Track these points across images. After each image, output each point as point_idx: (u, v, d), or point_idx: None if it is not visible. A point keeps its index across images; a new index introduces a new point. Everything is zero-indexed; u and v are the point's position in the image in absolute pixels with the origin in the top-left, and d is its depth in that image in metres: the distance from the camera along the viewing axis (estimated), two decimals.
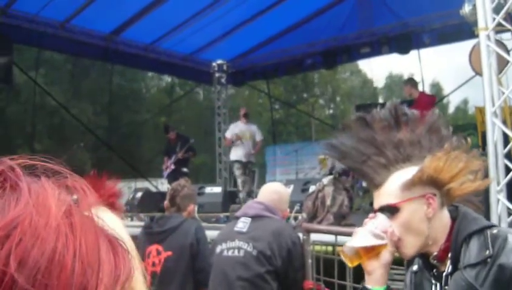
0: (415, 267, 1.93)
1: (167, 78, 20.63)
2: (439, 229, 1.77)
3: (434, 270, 1.83)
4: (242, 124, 10.83)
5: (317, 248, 4.63)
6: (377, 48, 11.50)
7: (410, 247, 1.76)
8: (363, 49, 11.75)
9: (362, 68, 36.17)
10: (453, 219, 1.80)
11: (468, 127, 12.62)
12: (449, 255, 1.76)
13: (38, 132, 16.16)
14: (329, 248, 4.71)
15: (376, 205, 1.81)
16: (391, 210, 1.75)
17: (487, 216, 4.88)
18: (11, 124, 15.54)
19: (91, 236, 0.59)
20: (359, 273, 4.40)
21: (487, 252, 1.67)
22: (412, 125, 1.89)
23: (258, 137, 10.90)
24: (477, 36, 5.29)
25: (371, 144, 1.87)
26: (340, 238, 4.12)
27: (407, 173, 1.75)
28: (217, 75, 13.68)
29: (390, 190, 1.77)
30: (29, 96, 14.86)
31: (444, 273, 1.76)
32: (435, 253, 1.78)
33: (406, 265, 1.96)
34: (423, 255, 1.82)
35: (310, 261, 4.24)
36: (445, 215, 1.79)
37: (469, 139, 1.86)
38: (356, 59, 14.06)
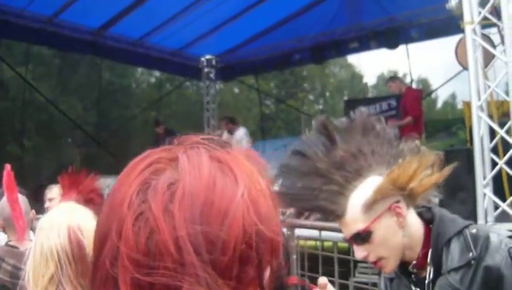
0: (388, 274, 1.87)
1: (157, 74, 20.54)
2: (413, 233, 1.74)
3: (413, 277, 1.80)
4: (226, 135, 10.85)
5: (302, 243, 4.63)
6: (365, 43, 11.53)
7: (393, 262, 1.73)
8: (352, 44, 11.78)
9: (351, 63, 36.23)
10: (427, 221, 1.77)
11: (456, 122, 12.71)
12: (429, 260, 1.73)
13: (28, 128, 16.05)
14: (314, 243, 4.71)
15: (346, 235, 1.74)
16: (363, 236, 1.70)
17: (474, 211, 4.92)
18: (0, 120, 15.42)
19: (162, 212, 0.64)
20: (345, 269, 4.43)
21: (470, 254, 1.65)
22: (346, 136, 1.78)
23: (244, 144, 10.89)
24: (463, 30, 5.31)
25: (315, 175, 1.75)
26: (325, 233, 4.12)
27: (364, 191, 1.69)
28: (205, 70, 13.65)
29: (354, 216, 1.70)
30: (18, 92, 14.74)
31: (426, 281, 1.73)
32: (414, 262, 1.75)
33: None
34: (400, 263, 1.77)
35: (294, 256, 4.24)
36: (414, 217, 1.76)
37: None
38: (345, 54, 14.09)
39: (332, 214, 1.74)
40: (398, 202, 1.69)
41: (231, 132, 11.00)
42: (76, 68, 17.02)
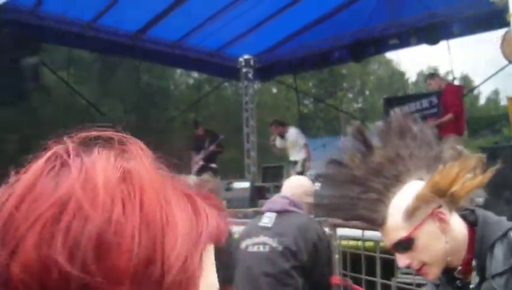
0: (434, 280, 1.80)
1: (195, 75, 20.67)
2: (457, 238, 1.66)
3: (458, 282, 1.74)
4: (277, 139, 10.87)
5: (344, 243, 4.57)
6: (405, 39, 11.33)
7: (436, 268, 1.67)
8: (392, 40, 11.60)
9: (391, 60, 35.84)
10: (471, 223, 1.70)
11: (500, 119, 12.41)
12: (473, 265, 1.66)
13: (70, 131, 16.34)
14: (357, 243, 4.64)
15: (388, 243, 1.70)
16: (405, 244, 1.64)
17: None
18: (43, 124, 15.75)
19: (156, 196, 0.58)
20: (388, 269, 4.34)
21: None
22: (382, 140, 1.73)
23: (302, 141, 10.90)
24: (508, 23, 5.16)
25: (353, 184, 1.70)
26: (367, 233, 4.06)
27: (404, 197, 1.63)
28: (244, 70, 13.64)
29: (395, 224, 1.64)
30: (60, 96, 15.03)
31: (471, 286, 1.67)
32: (459, 268, 1.69)
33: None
34: (444, 270, 1.71)
35: (336, 256, 4.19)
36: (457, 221, 1.69)
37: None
38: (384, 51, 13.88)
39: (373, 222, 1.69)
40: (440, 207, 1.62)
41: (282, 135, 10.92)
42: (115, 71, 17.26)
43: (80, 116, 16.48)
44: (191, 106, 18.47)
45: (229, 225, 0.67)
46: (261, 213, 3.76)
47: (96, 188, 0.55)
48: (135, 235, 0.54)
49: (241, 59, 13.57)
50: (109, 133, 0.65)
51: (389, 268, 4.30)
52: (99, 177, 0.56)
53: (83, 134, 0.64)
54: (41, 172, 0.57)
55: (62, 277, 0.51)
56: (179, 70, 20.75)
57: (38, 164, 0.58)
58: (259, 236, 3.55)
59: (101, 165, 0.58)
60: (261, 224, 3.61)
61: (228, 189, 9.38)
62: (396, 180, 1.66)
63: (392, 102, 11.97)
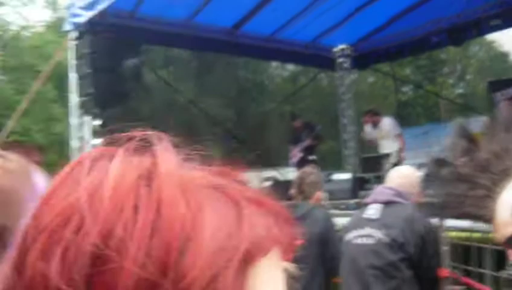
0: None
1: (290, 67, 20.68)
2: None
3: None
4: (369, 129, 10.67)
5: (453, 234, 4.42)
6: (509, 19, 10.79)
7: None
8: (493, 21, 11.07)
9: (493, 41, 34.24)
10: None
11: None
12: None
13: (170, 128, 16.83)
14: (466, 234, 4.47)
15: (499, 240, 1.62)
16: None
17: None
18: (142, 121, 16.27)
19: (180, 198, 0.51)
20: (500, 261, 4.15)
21: None
22: (488, 135, 1.65)
23: (396, 130, 10.65)
24: None
25: (459, 181, 1.65)
26: (477, 224, 3.90)
27: None
28: (339, 60, 13.48)
29: (505, 220, 1.54)
30: (160, 94, 15.49)
31: None
32: None
33: None
34: None
35: (444, 248, 4.05)
36: None
37: None
38: (486, 33, 13.27)
39: (481, 219, 1.61)
40: None
41: (376, 125, 10.74)
42: (212, 68, 17.56)
43: (179, 114, 16.96)
44: (287, 98, 18.50)
45: (292, 232, 0.59)
46: (365, 205, 3.70)
47: (103, 198, 0.50)
48: (141, 249, 0.47)
49: (336, 49, 13.42)
50: (140, 133, 0.59)
51: (501, 260, 4.12)
52: (109, 184, 0.51)
53: (116, 137, 0.59)
54: (62, 180, 0.54)
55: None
56: (274, 64, 20.84)
57: (63, 170, 0.55)
58: (365, 228, 3.50)
59: (117, 170, 0.53)
60: (365, 216, 3.55)
61: (328, 181, 9.33)
62: (505, 174, 1.57)
63: (496, 86, 11.45)
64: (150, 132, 0.59)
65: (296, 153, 11.04)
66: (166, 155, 0.55)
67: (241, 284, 0.51)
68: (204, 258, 0.48)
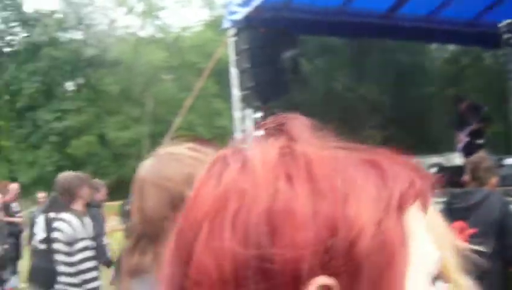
0: None
1: (450, 48, 19.79)
2: None
3: None
4: None
5: None
6: None
7: None
8: None
9: None
10: None
11: None
12: None
13: (328, 117, 16.87)
14: None
15: None
16: None
17: None
18: (301, 111, 16.44)
19: (326, 164, 0.54)
20: None
21: None
22: None
23: None
24: None
25: None
26: None
27: None
28: (505, 36, 12.61)
29: None
30: (317, 84, 15.55)
31: None
32: None
33: None
34: None
35: None
36: None
37: None
38: None
39: None
40: None
41: None
42: (368, 53, 17.30)
43: (337, 102, 16.92)
44: (449, 80, 17.74)
45: (429, 182, 0.59)
46: None
47: (255, 169, 0.54)
48: (307, 205, 0.51)
49: (501, 24, 12.57)
50: (275, 120, 0.61)
51: None
52: (256, 159, 0.55)
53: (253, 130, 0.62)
54: (203, 181, 0.57)
55: (238, 261, 0.50)
56: (433, 46, 20.06)
57: (201, 175, 0.58)
58: None
59: (259, 149, 0.56)
60: None
61: (498, 166, 8.78)
62: None
63: None
64: (284, 117, 0.61)
65: (463, 138, 10.50)
66: (300, 133, 0.58)
67: (402, 230, 0.54)
68: (366, 207, 0.52)
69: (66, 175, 5.04)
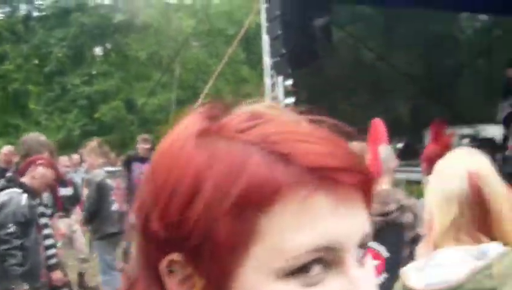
0: None
1: (483, 17, 19.39)
2: None
3: None
4: None
5: None
6: None
7: None
8: None
9: None
10: None
11: None
12: None
13: (357, 86, 16.74)
14: None
15: None
16: None
17: None
18: (330, 80, 16.39)
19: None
20: None
21: None
22: None
23: None
24: None
25: None
26: None
27: None
28: None
29: None
30: (348, 52, 15.41)
31: None
32: None
33: None
34: None
35: None
36: None
37: None
38: None
39: None
40: None
41: None
42: (399, 22, 17.06)
43: (367, 71, 16.77)
44: (481, 51, 17.44)
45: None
46: None
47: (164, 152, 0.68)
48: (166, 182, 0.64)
49: None
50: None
51: None
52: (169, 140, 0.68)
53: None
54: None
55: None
56: (464, 15, 19.67)
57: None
58: None
59: (176, 130, 0.68)
60: None
61: None
62: None
63: None
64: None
65: (505, 108, 9.60)
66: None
67: (233, 227, 0.57)
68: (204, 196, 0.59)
69: None
